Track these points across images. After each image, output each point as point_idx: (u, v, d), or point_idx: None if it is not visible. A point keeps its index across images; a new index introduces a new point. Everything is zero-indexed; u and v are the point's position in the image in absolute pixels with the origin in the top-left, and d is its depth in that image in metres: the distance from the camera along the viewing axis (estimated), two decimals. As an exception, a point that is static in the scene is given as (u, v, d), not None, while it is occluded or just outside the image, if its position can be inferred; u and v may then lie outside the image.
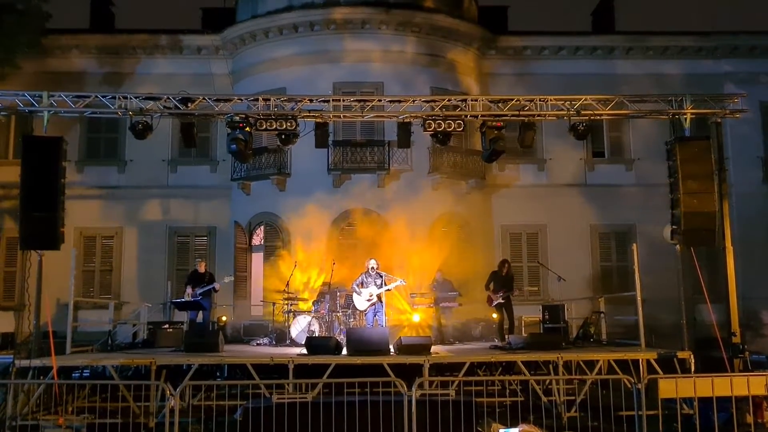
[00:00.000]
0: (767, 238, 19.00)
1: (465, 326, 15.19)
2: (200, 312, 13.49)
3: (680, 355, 10.59)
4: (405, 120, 12.47)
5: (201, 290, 13.30)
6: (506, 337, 12.80)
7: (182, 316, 14.42)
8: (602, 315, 14.27)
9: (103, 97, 12.18)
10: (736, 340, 11.14)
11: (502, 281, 13.53)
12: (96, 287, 19.08)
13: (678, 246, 11.56)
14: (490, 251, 18.31)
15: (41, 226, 10.73)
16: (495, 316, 13.81)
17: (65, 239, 11.23)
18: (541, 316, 14.09)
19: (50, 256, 11.18)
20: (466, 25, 18.95)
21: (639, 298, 11.67)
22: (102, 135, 19.65)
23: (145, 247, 19.13)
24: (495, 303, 13.46)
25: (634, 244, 12.61)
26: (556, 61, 20.10)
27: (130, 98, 12.11)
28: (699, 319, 12.88)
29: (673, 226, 11.49)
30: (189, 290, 13.34)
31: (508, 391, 11.25)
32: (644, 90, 15.33)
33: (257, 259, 18.23)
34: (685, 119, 12.01)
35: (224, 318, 15.62)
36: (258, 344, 13.97)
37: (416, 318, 14.35)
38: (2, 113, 12.04)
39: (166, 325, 13.61)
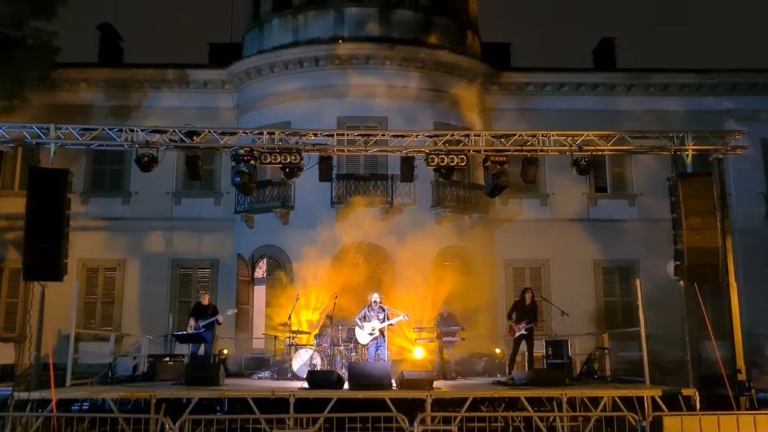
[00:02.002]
0: (771, 275, 18.90)
1: (468, 361, 15.06)
2: (202, 345, 13.42)
3: (685, 392, 10.45)
4: (408, 154, 12.56)
5: (204, 322, 13.24)
6: (510, 372, 12.67)
7: (183, 349, 14.35)
8: (606, 351, 14.16)
9: (109, 129, 12.25)
10: (742, 377, 11.02)
11: (525, 311, 13.07)
12: (97, 319, 19.03)
13: (681, 282, 11.51)
14: (492, 286, 18.25)
15: (45, 257, 10.74)
16: (498, 351, 13.60)
17: (68, 271, 11.23)
18: (544, 351, 13.96)
19: (52, 287, 11.16)
20: (469, 60, 19.21)
21: (643, 334, 11.55)
22: (107, 167, 19.80)
23: (148, 279, 19.12)
24: (517, 334, 12.90)
25: (638, 280, 12.54)
26: (558, 97, 20.31)
27: (137, 131, 12.20)
28: (704, 356, 12.70)
29: (677, 262, 11.46)
30: (192, 322, 13.29)
31: (511, 427, 11.07)
32: (646, 126, 15.45)
33: (259, 291, 18.19)
34: (687, 155, 12.05)
35: (225, 351, 15.54)
36: (259, 378, 13.85)
37: (419, 352, 14.24)
38: (9, 145, 12.12)
39: (167, 358, 13.53)
